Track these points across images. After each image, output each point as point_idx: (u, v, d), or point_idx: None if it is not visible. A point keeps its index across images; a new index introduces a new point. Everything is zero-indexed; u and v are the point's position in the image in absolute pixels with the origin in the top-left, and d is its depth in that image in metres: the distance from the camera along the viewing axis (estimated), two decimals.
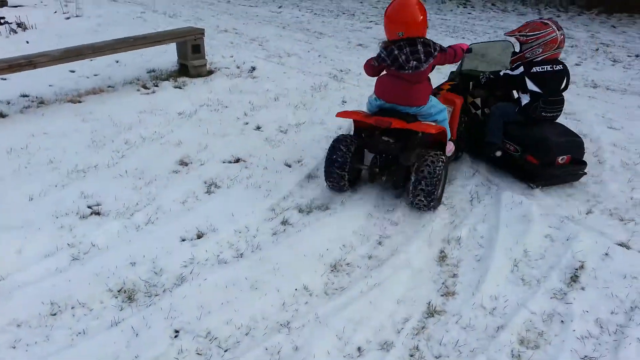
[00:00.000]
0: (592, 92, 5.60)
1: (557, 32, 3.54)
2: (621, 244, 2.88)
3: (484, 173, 3.75)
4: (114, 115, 4.57)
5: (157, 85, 5.36)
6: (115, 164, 3.80)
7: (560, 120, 3.83)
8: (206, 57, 5.82)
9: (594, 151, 4.14)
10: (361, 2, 11.52)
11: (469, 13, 10.35)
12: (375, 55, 3.26)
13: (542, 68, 3.54)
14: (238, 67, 6.16)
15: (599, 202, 3.36)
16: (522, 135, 3.58)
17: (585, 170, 3.59)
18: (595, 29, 8.87)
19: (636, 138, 4.39)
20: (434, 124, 3.19)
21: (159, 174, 3.65)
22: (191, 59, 5.59)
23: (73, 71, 5.76)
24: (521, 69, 3.57)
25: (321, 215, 3.21)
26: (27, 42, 6.79)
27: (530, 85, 3.54)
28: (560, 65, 3.62)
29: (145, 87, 5.31)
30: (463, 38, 8.12)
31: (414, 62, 3.04)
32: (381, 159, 3.33)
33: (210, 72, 5.87)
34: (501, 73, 3.68)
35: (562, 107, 3.71)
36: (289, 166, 3.81)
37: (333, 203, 3.35)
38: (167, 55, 6.23)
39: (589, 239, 2.90)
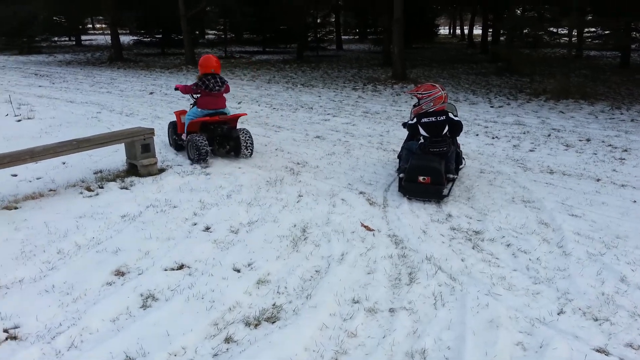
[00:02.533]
0: (549, 178, 5.61)
1: (442, 91, 5.15)
2: (599, 350, 2.62)
3: (447, 270, 3.52)
4: (50, 222, 4.21)
5: (102, 187, 5.08)
6: (43, 277, 3.40)
7: (520, 207, 4.77)
8: (157, 156, 5.63)
9: (557, 242, 4.00)
10: (319, 96, 11.84)
11: None
12: (192, 83, 6.17)
13: (428, 119, 5.06)
14: (191, 164, 5.98)
15: (569, 299, 3.13)
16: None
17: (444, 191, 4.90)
18: (545, 115, 9.24)
19: (599, 225, 4.30)
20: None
21: (90, 288, 3.26)
22: (140, 158, 5.39)
23: (15, 175, 5.45)
24: (415, 119, 5.18)
25: (270, 329, 2.85)
26: None
27: (421, 131, 5.09)
28: (444, 117, 5.05)
29: (89, 189, 5.01)
30: None
31: (217, 87, 6.08)
32: (219, 139, 6.24)
33: (161, 170, 5.65)
34: (406, 122, 5.48)
35: (446, 145, 5.05)
36: (238, 271, 3.49)
37: (284, 311, 3.01)
38: (117, 155, 6.02)
39: (563, 344, 2.63)
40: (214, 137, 6.17)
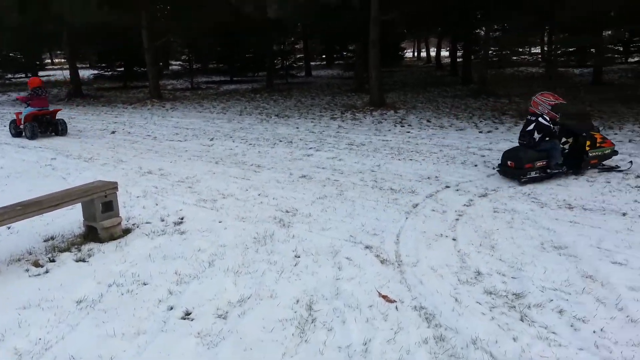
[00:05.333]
0: (571, 216, 4.99)
1: (536, 96, 6.41)
2: None
3: (501, 357, 2.77)
4: None
5: (53, 260, 4.14)
6: None
7: (554, 256, 4.15)
8: (121, 214, 4.74)
9: (615, 303, 3.32)
10: (297, 128, 11.14)
11: (408, 132, 10.14)
12: (28, 94, 10.57)
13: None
14: (162, 220, 5.11)
15: None
16: None
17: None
18: None
19: None
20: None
21: None
22: (101, 219, 4.49)
23: None
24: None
25: None
26: None
27: None
28: (533, 117, 6.29)
29: (37, 264, 4.07)
30: (411, 160, 7.64)
31: (44, 94, 10.79)
32: (44, 125, 10.62)
33: (126, 231, 4.76)
34: None
35: (525, 140, 6.34)
36: None
37: None
38: (72, 214, 5.10)
39: None
40: (41, 123, 10.52)
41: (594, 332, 3.02)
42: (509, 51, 20.80)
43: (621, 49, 22.57)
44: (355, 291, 3.58)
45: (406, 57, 42.64)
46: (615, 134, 8.86)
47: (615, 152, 6.62)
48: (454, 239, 4.54)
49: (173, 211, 5.37)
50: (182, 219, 5.15)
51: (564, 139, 6.42)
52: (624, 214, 4.99)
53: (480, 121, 11.00)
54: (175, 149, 9.03)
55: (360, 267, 3.98)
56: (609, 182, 6.05)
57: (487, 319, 3.19)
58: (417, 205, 5.49)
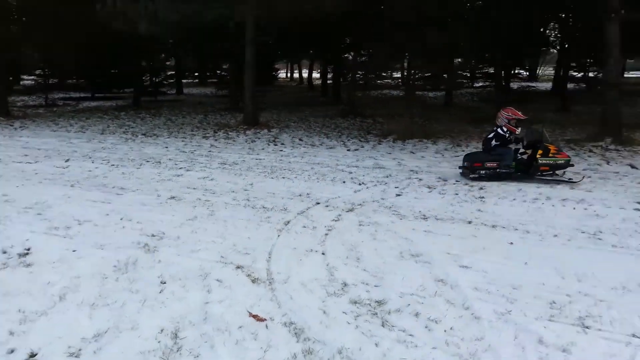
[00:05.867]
0: (426, 225, 5.45)
1: (500, 111, 7.68)
2: None
3: None
4: None
5: None
6: None
7: (411, 264, 4.46)
8: None
9: (462, 303, 3.68)
10: (166, 147, 10.71)
11: (281, 151, 10.31)
12: None
13: None
14: (4, 252, 4.53)
15: None
16: None
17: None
18: (399, 156, 9.48)
19: (492, 276, 4.12)
20: None
21: None
22: None
23: None
24: None
25: None
26: None
27: None
28: (494, 128, 7.68)
29: None
30: (283, 178, 7.76)
31: None
32: None
33: None
34: None
35: (484, 147, 7.74)
36: None
37: None
38: None
39: None
40: None
41: (445, 331, 3.31)
42: (374, 75, 22.31)
43: (468, 75, 25.51)
44: (226, 313, 3.50)
45: (280, 78, 43.53)
46: (463, 150, 9.92)
47: (570, 164, 7.41)
48: (323, 254, 4.68)
49: (18, 241, 4.79)
50: (28, 249, 4.62)
51: (521, 149, 7.61)
52: (469, 222, 5.57)
53: (348, 140, 11.58)
54: (24, 172, 8.10)
55: (231, 288, 3.92)
56: (457, 194, 6.73)
57: (352, 327, 3.33)
58: (289, 222, 5.57)
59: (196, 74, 36.25)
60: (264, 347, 3.08)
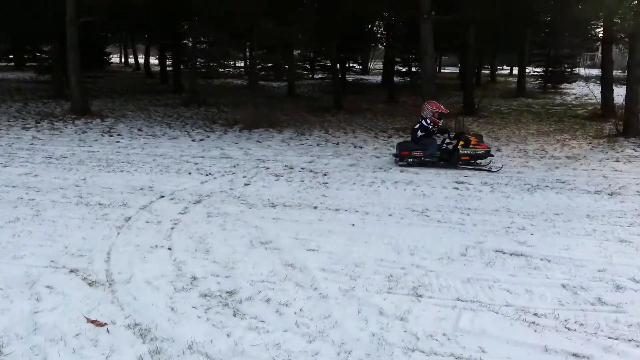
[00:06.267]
0: (275, 213, 5.57)
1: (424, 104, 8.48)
2: None
3: (216, 356, 2.87)
4: None
5: None
6: None
7: (261, 251, 4.46)
8: None
9: (310, 284, 3.86)
10: None
11: (118, 142, 9.56)
12: None
13: None
14: None
15: (348, 351, 2.96)
16: None
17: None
18: (246, 146, 9.48)
19: (337, 256, 4.39)
20: None
21: None
22: None
23: None
24: None
25: None
26: None
27: None
28: (420, 119, 8.28)
29: None
30: (122, 171, 7.22)
31: None
32: None
33: None
34: None
35: (411, 137, 8.37)
36: None
37: None
38: None
39: None
40: None
41: (295, 313, 3.43)
42: (215, 63, 21.87)
43: (308, 66, 26.52)
44: (59, 322, 3.17)
45: (113, 63, 40.08)
46: (307, 139, 10.32)
47: (490, 155, 8.01)
48: (169, 249, 4.49)
49: None
50: None
51: (447, 140, 8.28)
52: (315, 207, 5.83)
53: (193, 130, 11.22)
54: None
55: (64, 294, 3.54)
56: (303, 181, 7.00)
57: (202, 321, 3.27)
58: (129, 218, 5.22)
59: (11, 56, 31.51)
60: (105, 352, 2.86)
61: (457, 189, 6.71)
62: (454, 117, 9.42)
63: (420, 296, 3.72)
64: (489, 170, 7.78)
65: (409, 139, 8.93)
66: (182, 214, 5.46)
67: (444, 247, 4.65)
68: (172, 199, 6.01)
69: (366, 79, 28.70)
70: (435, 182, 7.06)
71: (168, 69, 24.14)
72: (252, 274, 3.99)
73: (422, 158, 7.98)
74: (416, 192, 6.53)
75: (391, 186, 6.82)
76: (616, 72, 18.02)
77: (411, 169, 7.78)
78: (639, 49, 10.39)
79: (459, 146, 7.91)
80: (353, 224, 5.27)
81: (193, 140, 9.94)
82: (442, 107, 8.31)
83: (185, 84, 19.34)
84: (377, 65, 41.46)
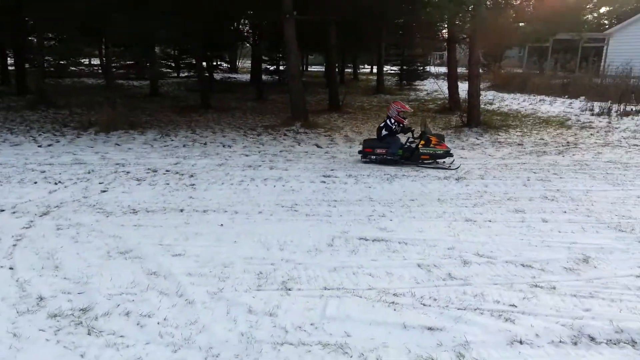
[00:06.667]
0: (136, 220, 5.22)
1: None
2: None
3: None
4: None
5: None
6: None
7: (120, 262, 3.91)
8: None
9: (176, 290, 3.69)
10: None
11: None
12: None
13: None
14: None
15: (215, 355, 2.88)
16: None
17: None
18: (103, 150, 8.77)
19: (204, 259, 4.25)
20: None
21: None
22: None
23: None
24: None
25: None
26: None
27: None
28: (385, 119, 8.34)
29: None
30: None
31: None
32: None
33: None
34: None
35: (377, 135, 8.43)
36: None
37: None
38: None
39: None
40: None
41: (158, 323, 3.24)
42: (66, 61, 19.96)
43: (173, 64, 25.42)
44: None
45: None
46: (172, 140, 9.87)
47: (450, 154, 8.08)
48: (11, 268, 3.98)
49: None
50: None
51: (411, 138, 8.38)
52: (181, 210, 5.59)
53: (40, 135, 10.07)
54: None
55: None
56: (168, 184, 6.66)
57: (51, 344, 2.94)
58: None
59: None
60: None
61: (325, 182, 6.91)
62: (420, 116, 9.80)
63: (289, 290, 3.75)
64: (448, 168, 8.01)
65: (278, 135, 8.97)
66: (27, 228, 4.87)
67: (312, 239, 4.75)
68: (13, 212, 5.33)
69: (235, 78, 28.38)
70: (304, 177, 7.21)
71: (10, 68, 21.40)
72: (110, 287, 3.69)
73: (385, 156, 8.17)
74: (285, 188, 6.59)
75: (261, 184, 6.80)
76: (460, 70, 20.14)
77: (279, 165, 7.85)
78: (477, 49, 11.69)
79: (420, 145, 8.13)
80: (222, 225, 5.15)
81: (39, 146, 8.92)
82: (407, 106, 8.51)
83: (30, 84, 17.30)
84: (245, 63, 41.23)
